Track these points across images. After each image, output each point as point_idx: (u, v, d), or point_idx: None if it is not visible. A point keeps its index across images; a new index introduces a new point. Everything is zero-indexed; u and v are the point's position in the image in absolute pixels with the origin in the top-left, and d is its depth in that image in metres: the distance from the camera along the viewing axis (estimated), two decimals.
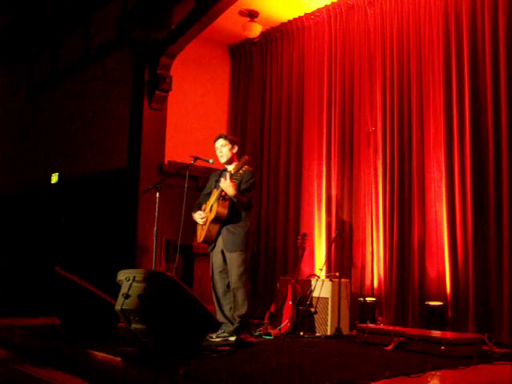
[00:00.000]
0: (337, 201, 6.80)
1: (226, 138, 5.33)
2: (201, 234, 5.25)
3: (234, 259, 5.07)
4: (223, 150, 5.28)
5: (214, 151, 5.42)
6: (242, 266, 5.06)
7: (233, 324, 5.11)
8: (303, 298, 5.83)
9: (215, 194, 5.17)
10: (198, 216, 5.26)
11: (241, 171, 5.10)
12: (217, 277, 5.22)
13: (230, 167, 5.28)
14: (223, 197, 5.05)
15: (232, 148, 5.30)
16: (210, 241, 5.20)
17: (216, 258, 5.21)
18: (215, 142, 5.34)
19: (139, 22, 7.41)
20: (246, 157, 5.12)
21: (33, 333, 5.18)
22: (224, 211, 5.05)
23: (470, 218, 5.49)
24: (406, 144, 6.17)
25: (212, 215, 5.08)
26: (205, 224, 5.19)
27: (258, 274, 7.54)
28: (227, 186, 4.96)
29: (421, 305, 5.69)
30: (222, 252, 5.16)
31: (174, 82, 7.24)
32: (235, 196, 5.00)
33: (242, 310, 5.03)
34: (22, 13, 9.80)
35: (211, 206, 5.16)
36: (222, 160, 5.32)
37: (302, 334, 5.58)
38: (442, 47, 5.92)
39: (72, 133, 8.85)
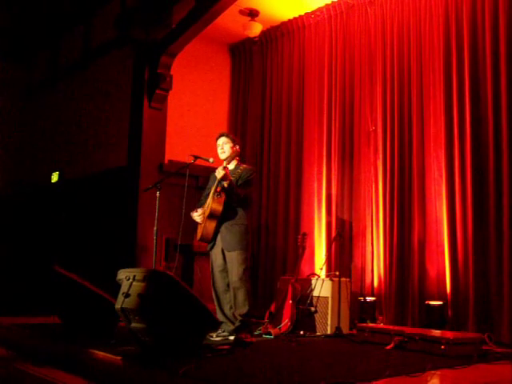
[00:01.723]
0: (337, 200, 6.80)
1: (228, 136, 5.36)
2: (199, 232, 5.25)
3: (234, 258, 5.07)
4: (225, 146, 5.29)
5: (214, 150, 5.42)
6: (242, 264, 5.05)
7: (233, 323, 5.11)
8: (303, 298, 5.83)
9: (212, 191, 5.17)
10: (196, 214, 5.25)
11: (239, 170, 5.11)
12: (217, 276, 5.21)
13: (230, 166, 5.30)
14: (218, 193, 5.03)
15: (233, 146, 5.31)
16: (207, 239, 5.17)
17: (216, 257, 5.21)
18: (217, 139, 5.35)
19: (139, 21, 7.41)
20: (237, 148, 5.14)
21: (33, 332, 5.18)
22: (218, 207, 5.02)
23: (470, 217, 5.50)
24: (407, 143, 6.17)
25: (207, 211, 5.07)
26: (203, 222, 5.18)
27: (258, 274, 7.54)
28: (220, 171, 4.94)
29: (421, 304, 5.70)
30: (222, 251, 5.16)
31: (174, 81, 7.24)
32: (230, 183, 4.98)
33: (244, 309, 5.03)
34: (21, 12, 9.80)
35: (208, 204, 5.16)
36: (223, 156, 5.31)
37: (302, 333, 5.58)
38: (443, 46, 5.92)
39: (72, 132, 8.85)
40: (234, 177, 5.09)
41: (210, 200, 5.12)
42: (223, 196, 5.04)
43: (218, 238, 5.16)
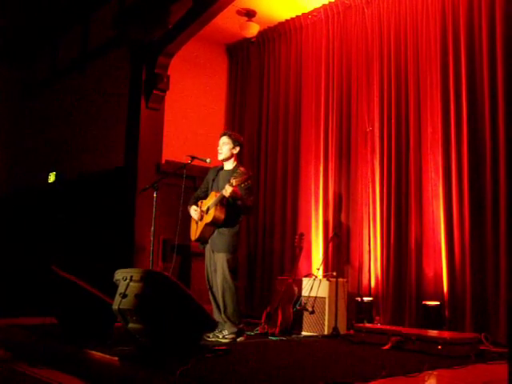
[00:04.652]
0: (334, 200, 6.80)
1: (229, 136, 5.34)
2: (195, 233, 5.28)
3: (220, 259, 5.12)
4: (223, 148, 5.30)
5: (212, 150, 5.43)
6: (227, 266, 5.08)
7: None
8: (300, 298, 5.84)
9: (213, 196, 5.17)
10: (194, 212, 5.28)
11: (236, 174, 5.11)
12: (212, 276, 5.23)
13: (227, 165, 5.32)
14: (221, 202, 5.06)
15: (233, 148, 5.30)
16: (203, 241, 5.25)
17: (209, 258, 5.25)
18: (220, 137, 5.36)
19: (137, 22, 7.40)
20: (250, 172, 5.16)
21: (30, 332, 5.17)
22: (221, 216, 5.08)
23: (467, 217, 5.50)
24: (404, 144, 6.18)
25: (209, 218, 5.10)
26: (200, 220, 5.20)
27: (255, 274, 7.54)
28: (228, 190, 4.94)
29: (418, 304, 5.70)
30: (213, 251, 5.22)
31: (171, 82, 7.25)
32: (239, 198, 5.04)
33: (230, 309, 5.07)
34: (20, 12, 9.78)
35: (208, 208, 5.16)
36: (220, 157, 5.35)
37: (298, 333, 5.59)
38: (440, 46, 5.93)
39: (70, 132, 8.84)
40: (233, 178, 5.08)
41: (211, 206, 5.12)
42: (225, 204, 5.07)
43: (210, 240, 5.21)
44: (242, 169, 5.22)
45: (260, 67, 8.09)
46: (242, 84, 8.31)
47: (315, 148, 7.12)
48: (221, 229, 5.14)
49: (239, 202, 5.08)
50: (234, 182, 4.87)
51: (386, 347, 4.59)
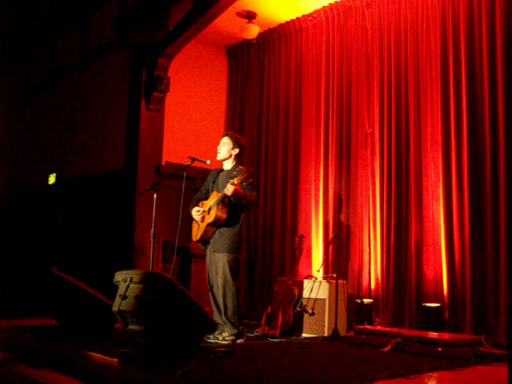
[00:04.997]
0: (334, 202, 6.80)
1: (230, 137, 5.35)
2: (197, 234, 5.27)
3: (220, 260, 5.11)
4: (223, 148, 5.32)
5: (212, 152, 5.44)
6: (228, 267, 5.07)
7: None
8: (301, 300, 5.84)
9: (214, 196, 5.17)
10: (196, 213, 5.27)
11: (235, 172, 5.11)
12: (212, 277, 5.23)
13: (226, 165, 5.33)
14: (223, 201, 5.06)
15: (232, 149, 5.31)
16: (206, 241, 5.24)
17: (211, 259, 5.24)
18: (222, 137, 5.38)
19: (137, 23, 7.41)
20: (251, 169, 5.13)
21: (30, 334, 5.17)
22: (223, 216, 5.07)
23: (467, 219, 5.50)
24: (404, 145, 6.18)
25: (210, 218, 5.09)
26: (201, 221, 5.20)
27: (255, 275, 7.53)
28: (230, 189, 4.93)
29: (418, 306, 5.70)
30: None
31: (171, 83, 7.24)
32: (242, 196, 5.03)
33: (230, 311, 5.07)
34: (19, 13, 9.80)
35: (209, 208, 5.16)
36: (218, 157, 5.37)
37: (299, 335, 5.58)
38: (440, 48, 5.94)
39: (69, 134, 8.84)
40: (232, 178, 5.07)
41: (213, 206, 5.11)
42: (227, 204, 5.07)
43: (211, 240, 5.20)
44: (241, 167, 5.22)
45: (260, 69, 8.09)
46: (243, 86, 8.31)
47: (315, 149, 7.12)
48: (222, 229, 5.13)
49: (242, 201, 5.07)
50: (235, 180, 4.88)
51: (386, 349, 4.58)
